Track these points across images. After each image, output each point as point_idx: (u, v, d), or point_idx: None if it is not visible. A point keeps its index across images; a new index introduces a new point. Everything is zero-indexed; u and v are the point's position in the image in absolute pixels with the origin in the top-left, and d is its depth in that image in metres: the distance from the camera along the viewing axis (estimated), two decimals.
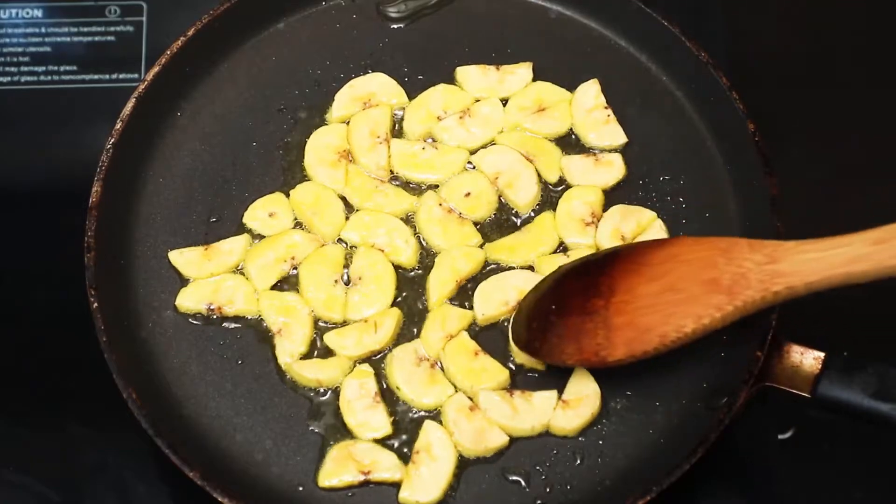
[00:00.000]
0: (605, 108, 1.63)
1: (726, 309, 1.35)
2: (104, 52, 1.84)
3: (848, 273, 1.29)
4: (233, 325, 1.53)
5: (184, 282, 1.55)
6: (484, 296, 1.52)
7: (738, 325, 1.49)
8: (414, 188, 1.60)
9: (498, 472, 1.45)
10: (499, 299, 1.52)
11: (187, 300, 1.53)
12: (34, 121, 1.80)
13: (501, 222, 1.58)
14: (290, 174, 1.61)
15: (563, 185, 1.60)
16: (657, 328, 1.38)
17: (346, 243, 1.57)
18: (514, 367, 1.49)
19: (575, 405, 1.47)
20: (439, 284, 1.53)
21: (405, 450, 1.46)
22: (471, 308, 1.52)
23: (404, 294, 1.54)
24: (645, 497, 1.38)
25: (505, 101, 1.65)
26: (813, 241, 1.34)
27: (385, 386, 1.49)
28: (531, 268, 1.54)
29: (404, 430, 1.47)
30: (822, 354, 1.43)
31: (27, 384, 1.60)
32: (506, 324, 1.51)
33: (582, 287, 1.43)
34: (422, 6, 1.71)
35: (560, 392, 1.48)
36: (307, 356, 1.51)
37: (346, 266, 1.55)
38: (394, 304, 1.53)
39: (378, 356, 1.51)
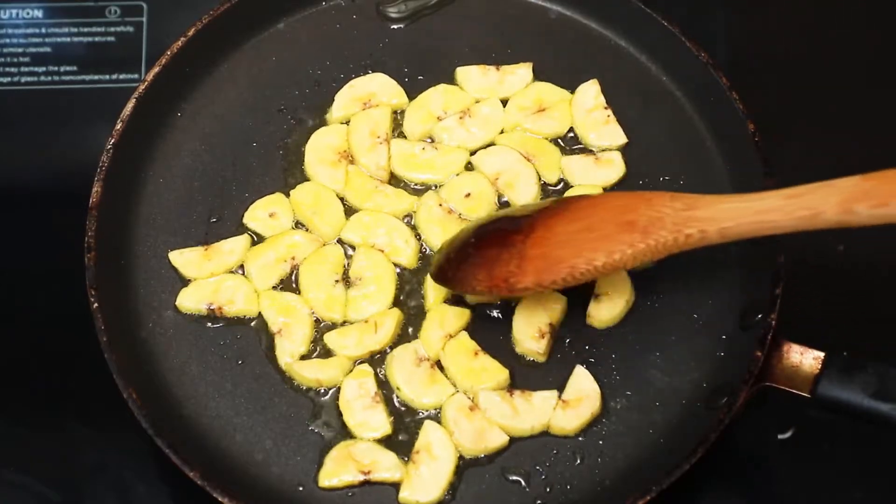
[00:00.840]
0: (605, 108, 1.63)
1: (638, 246, 1.37)
2: (104, 52, 1.84)
3: (759, 221, 1.33)
4: (233, 325, 1.53)
5: (184, 282, 1.55)
6: None
7: (737, 325, 1.50)
8: (414, 188, 1.60)
9: (498, 472, 1.45)
10: None
11: (187, 300, 1.53)
12: (34, 121, 1.80)
13: None
14: (290, 174, 1.61)
15: (563, 185, 1.60)
16: (568, 260, 1.40)
17: (347, 243, 1.57)
18: (513, 367, 1.50)
19: (575, 405, 1.47)
20: (437, 285, 1.53)
21: (405, 450, 1.46)
22: (469, 307, 1.52)
23: (404, 294, 1.54)
24: (645, 497, 1.38)
25: (505, 102, 1.65)
26: (732, 195, 1.38)
27: (385, 386, 1.49)
28: None
29: (404, 430, 1.47)
30: (821, 354, 1.43)
31: (27, 384, 1.60)
32: (498, 314, 1.52)
33: (504, 227, 1.47)
34: (422, 6, 1.71)
35: (560, 392, 1.48)
36: (307, 356, 1.51)
37: (347, 266, 1.55)
38: (394, 304, 1.53)
39: (378, 356, 1.51)
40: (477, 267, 1.45)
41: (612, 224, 1.40)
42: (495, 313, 1.53)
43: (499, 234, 1.46)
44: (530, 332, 1.50)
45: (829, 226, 1.29)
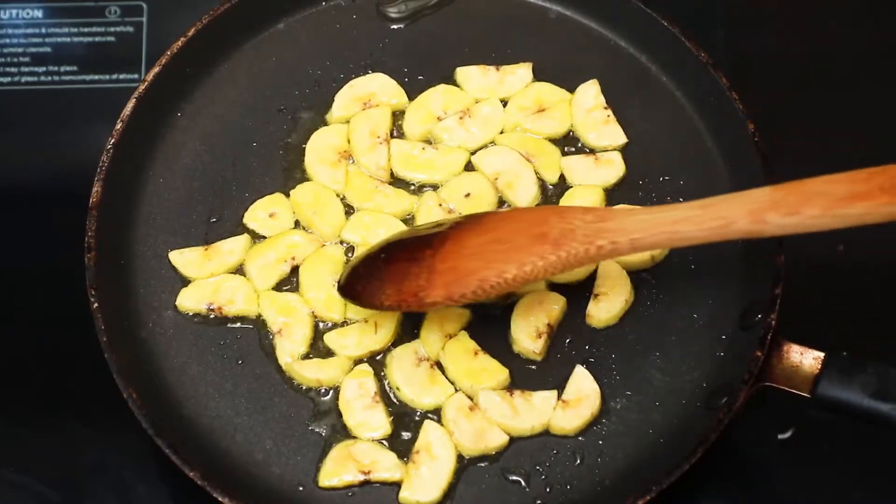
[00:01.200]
0: (605, 108, 1.63)
1: (549, 258, 1.36)
2: (104, 52, 1.84)
3: (671, 231, 1.32)
4: (233, 325, 1.53)
5: (184, 282, 1.55)
6: None
7: (737, 325, 1.50)
8: (414, 188, 1.60)
9: (498, 472, 1.45)
10: None
11: (187, 300, 1.53)
12: (34, 121, 1.80)
13: None
14: (290, 174, 1.61)
15: (563, 185, 1.60)
16: (478, 272, 1.38)
17: (347, 244, 1.57)
18: (513, 367, 1.50)
19: (575, 405, 1.47)
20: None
21: (405, 450, 1.46)
22: (469, 307, 1.52)
23: None
24: (645, 497, 1.38)
25: (505, 102, 1.65)
26: (646, 207, 1.39)
27: (385, 386, 1.49)
28: None
29: (404, 430, 1.47)
30: (821, 354, 1.43)
31: (27, 384, 1.60)
32: (503, 309, 1.52)
33: (415, 242, 1.45)
34: (422, 6, 1.71)
35: (560, 392, 1.48)
36: (307, 356, 1.51)
37: None
38: None
39: (378, 356, 1.51)
40: (385, 282, 1.43)
41: (523, 236, 1.38)
42: (495, 313, 1.53)
43: (409, 248, 1.44)
44: (528, 332, 1.50)
45: (742, 235, 1.29)
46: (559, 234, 1.36)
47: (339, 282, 1.48)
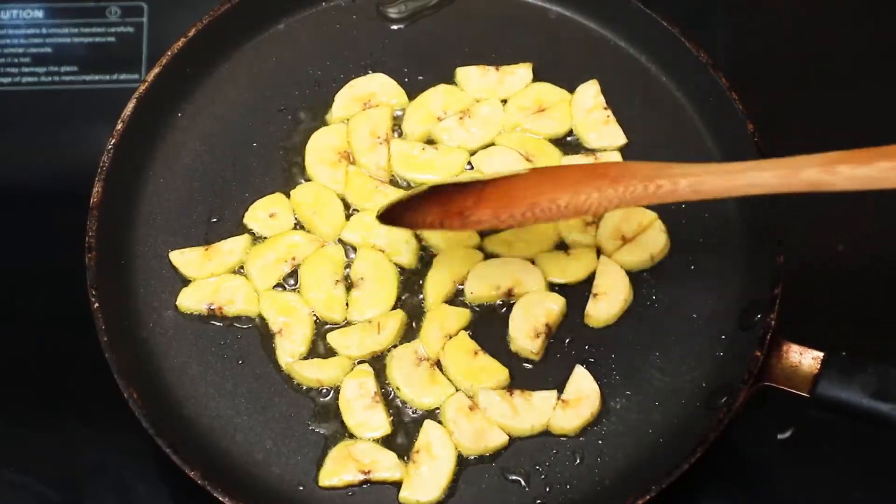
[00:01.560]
0: (605, 108, 1.63)
1: (606, 191, 1.32)
2: (105, 52, 1.84)
3: (736, 179, 1.31)
4: (233, 325, 1.53)
5: (184, 282, 1.55)
6: (477, 276, 1.52)
7: (737, 325, 1.50)
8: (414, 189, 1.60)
9: (498, 471, 1.46)
10: (491, 282, 1.52)
11: (188, 300, 1.53)
12: (35, 121, 1.80)
13: None
14: (290, 174, 1.61)
15: None
16: (530, 198, 1.35)
17: (347, 244, 1.57)
18: (513, 367, 1.50)
19: (575, 405, 1.47)
20: (436, 285, 1.53)
21: (405, 449, 1.46)
22: (469, 308, 1.52)
23: (405, 294, 1.54)
24: (645, 497, 1.38)
25: (505, 102, 1.65)
26: (704, 163, 1.36)
27: (385, 386, 1.49)
28: (532, 262, 1.54)
29: (404, 429, 1.47)
30: (821, 354, 1.43)
31: (27, 384, 1.60)
32: (503, 309, 1.52)
33: (464, 181, 1.43)
34: (422, 6, 1.71)
35: (560, 392, 1.48)
36: (308, 356, 1.51)
37: (348, 266, 1.55)
38: (395, 304, 1.53)
39: (378, 356, 1.51)
40: (431, 203, 1.39)
41: (582, 175, 1.35)
42: (495, 313, 1.53)
43: (458, 183, 1.42)
44: (526, 331, 1.50)
45: (809, 187, 1.26)
46: (618, 173, 1.34)
47: (379, 210, 1.44)
